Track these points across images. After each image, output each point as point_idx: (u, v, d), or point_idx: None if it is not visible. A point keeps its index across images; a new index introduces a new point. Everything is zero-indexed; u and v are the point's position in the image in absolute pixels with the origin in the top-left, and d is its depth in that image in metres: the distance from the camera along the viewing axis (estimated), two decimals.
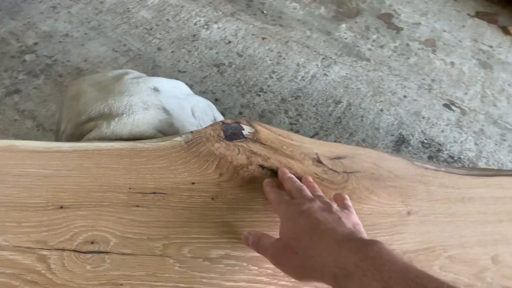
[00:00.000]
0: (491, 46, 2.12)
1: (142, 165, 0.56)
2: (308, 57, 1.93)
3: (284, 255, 0.44)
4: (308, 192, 0.50)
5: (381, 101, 1.78)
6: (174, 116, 0.69)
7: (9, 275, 0.46)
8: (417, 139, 1.67)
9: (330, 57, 1.95)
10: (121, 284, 0.47)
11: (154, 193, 0.54)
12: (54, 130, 0.87)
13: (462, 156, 1.65)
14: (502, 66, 2.03)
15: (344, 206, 0.49)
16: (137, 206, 0.52)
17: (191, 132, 0.61)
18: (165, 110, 0.67)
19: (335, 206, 0.47)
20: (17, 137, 1.46)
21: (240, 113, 1.66)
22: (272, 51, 1.93)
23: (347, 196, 0.51)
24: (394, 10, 2.24)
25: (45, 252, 0.48)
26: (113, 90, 0.67)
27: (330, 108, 1.73)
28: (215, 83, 1.75)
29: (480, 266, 0.53)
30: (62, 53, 1.76)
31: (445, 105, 1.80)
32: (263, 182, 0.55)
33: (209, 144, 0.59)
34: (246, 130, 0.62)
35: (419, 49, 2.05)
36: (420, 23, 2.19)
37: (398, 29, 2.14)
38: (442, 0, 2.35)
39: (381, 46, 2.03)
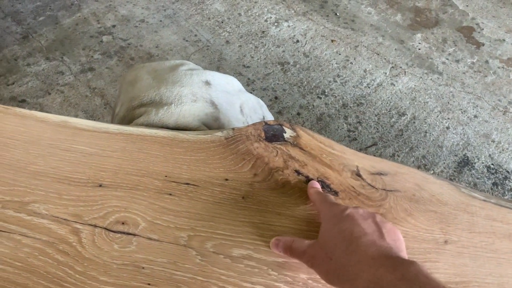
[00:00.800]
0: None
1: (180, 155, 0.57)
2: (376, 64, 1.87)
3: (319, 258, 0.44)
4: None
5: (448, 118, 1.69)
6: (222, 110, 0.69)
7: (45, 242, 0.49)
8: (482, 163, 1.57)
9: (400, 67, 1.88)
10: (143, 268, 0.48)
11: (187, 184, 0.55)
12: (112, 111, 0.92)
13: None
14: None
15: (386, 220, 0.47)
16: (170, 194, 0.54)
17: (233, 128, 0.61)
18: (213, 104, 0.68)
19: (378, 217, 0.45)
20: (85, 112, 1.56)
21: (298, 114, 1.65)
22: (340, 54, 1.90)
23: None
24: (477, 24, 2.10)
25: (79, 226, 0.51)
26: (166, 79, 0.69)
27: (393, 120, 1.67)
28: (277, 81, 1.75)
29: None
30: (137, 37, 1.85)
31: None
32: (308, 184, 0.55)
33: (249, 143, 0.59)
34: (288, 133, 0.61)
35: (499, 67, 1.91)
36: (504, 39, 2.04)
37: (479, 45, 2.01)
38: None
39: (457, 61, 1.92)
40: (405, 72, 1.86)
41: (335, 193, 0.56)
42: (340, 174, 0.58)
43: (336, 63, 1.85)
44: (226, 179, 0.56)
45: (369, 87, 1.76)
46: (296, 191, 0.56)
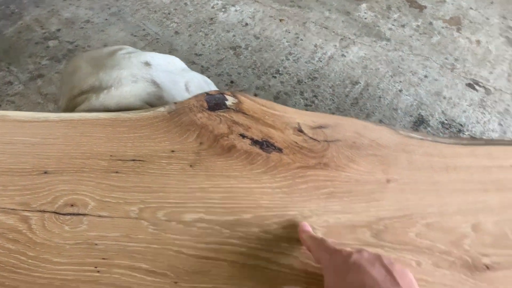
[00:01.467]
0: None
1: (124, 134, 0.58)
2: (326, 38, 1.91)
3: None
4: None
5: (400, 81, 1.74)
6: (165, 89, 0.70)
7: None
8: (437, 119, 1.63)
9: (349, 38, 1.91)
10: (96, 244, 0.49)
11: (133, 160, 0.55)
12: None
13: (484, 137, 1.59)
14: None
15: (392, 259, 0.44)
16: (117, 172, 0.54)
17: (175, 103, 0.62)
18: (154, 83, 0.69)
19: (385, 258, 0.42)
20: None
21: (255, 95, 1.66)
22: (289, 32, 1.92)
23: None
24: None
25: (27, 214, 0.50)
26: (105, 64, 0.69)
27: (347, 89, 1.70)
28: (231, 66, 1.75)
29: (458, 234, 0.52)
30: (83, 38, 1.81)
31: (468, 85, 1.74)
32: (298, 225, 0.51)
33: (192, 114, 0.60)
34: (230, 100, 0.62)
35: (442, 27, 1.98)
36: (445, 0, 2.11)
37: (421, 8, 2.07)
38: None
39: (403, 26, 1.98)
40: (354, 42, 1.90)
41: (280, 150, 0.58)
42: (283, 132, 0.59)
43: (287, 42, 1.87)
44: (172, 151, 0.57)
45: (321, 61, 1.79)
46: (242, 153, 0.57)
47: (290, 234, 0.51)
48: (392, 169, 0.57)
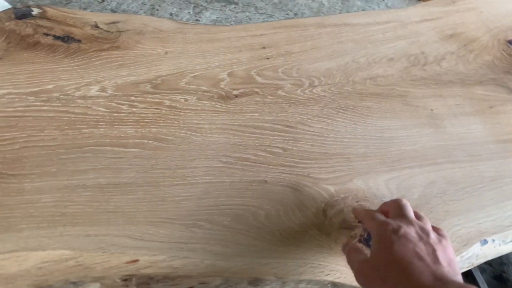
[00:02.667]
0: None
1: None
2: (180, 6, 2.06)
3: (371, 278, 0.42)
4: (410, 212, 0.48)
5: None
6: None
7: None
8: None
9: (201, 5, 2.09)
10: None
11: None
12: None
13: None
14: None
15: (441, 236, 0.46)
16: None
17: None
18: None
19: (433, 235, 0.44)
20: None
21: None
22: (145, 4, 2.04)
23: (442, 229, 0.48)
24: None
25: None
26: None
27: None
28: None
29: (217, 79, 0.70)
30: None
31: None
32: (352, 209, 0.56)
33: (0, 24, 0.71)
34: (35, 11, 0.74)
35: None
36: None
37: None
38: None
39: None
40: (206, 8, 2.08)
41: (79, 41, 0.72)
42: (82, 29, 0.73)
43: (144, 12, 1.99)
44: None
45: None
46: (46, 46, 0.70)
47: (85, 93, 0.65)
48: (170, 45, 0.74)
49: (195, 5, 2.08)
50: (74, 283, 0.50)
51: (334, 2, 2.20)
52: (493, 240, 0.58)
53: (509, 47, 0.83)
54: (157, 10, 2.03)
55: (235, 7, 2.10)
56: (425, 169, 0.64)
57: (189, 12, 2.04)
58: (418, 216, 0.48)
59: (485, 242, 0.58)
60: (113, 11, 1.98)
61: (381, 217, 0.47)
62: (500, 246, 0.59)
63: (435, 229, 0.47)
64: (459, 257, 0.56)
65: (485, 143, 0.68)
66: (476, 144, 0.67)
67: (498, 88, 0.75)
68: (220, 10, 2.07)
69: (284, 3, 2.16)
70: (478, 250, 0.58)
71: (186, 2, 2.09)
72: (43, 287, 0.49)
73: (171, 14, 2.01)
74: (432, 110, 0.71)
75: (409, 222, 0.45)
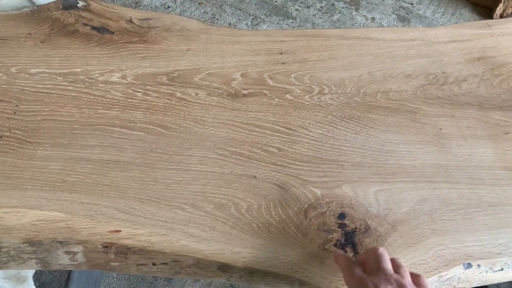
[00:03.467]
0: (411, 3, 2.32)
1: None
2: (239, 17, 2.15)
3: None
4: (388, 264, 0.47)
5: None
6: (37, 2, 0.90)
7: None
8: None
9: (260, 17, 2.16)
10: None
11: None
12: None
13: None
14: (419, 19, 2.23)
15: (420, 286, 0.46)
16: None
17: (37, 5, 0.82)
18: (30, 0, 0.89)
19: None
20: None
21: None
22: (207, 13, 2.15)
23: (422, 276, 0.48)
24: None
25: None
26: None
27: None
28: None
29: (229, 78, 0.74)
30: None
31: None
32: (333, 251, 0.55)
33: (49, 12, 0.81)
34: (81, 3, 0.83)
35: (343, 7, 2.25)
36: None
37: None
38: None
39: (308, 7, 2.24)
40: (264, 21, 2.14)
41: (112, 33, 0.79)
42: (117, 22, 0.81)
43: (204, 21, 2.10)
44: (29, 33, 0.77)
45: None
46: (83, 35, 0.78)
47: (107, 79, 0.71)
48: (193, 43, 0.79)
49: (253, 17, 2.15)
50: (60, 242, 0.55)
51: (394, 24, 2.18)
52: (479, 266, 0.56)
53: None
54: (217, 19, 2.12)
55: (292, 22, 2.14)
56: (419, 186, 0.63)
57: (247, 23, 2.11)
58: (396, 266, 0.47)
59: (469, 265, 0.56)
60: None
61: (359, 272, 0.47)
62: (487, 273, 0.57)
63: (414, 277, 0.47)
64: (437, 277, 0.55)
65: (491, 168, 0.65)
66: (480, 168, 0.65)
67: None
68: (277, 23, 2.13)
69: (342, 21, 2.17)
70: (461, 273, 0.56)
71: (246, 14, 2.17)
72: (34, 242, 0.55)
73: (230, 24, 2.10)
74: (440, 129, 0.69)
75: (386, 278, 0.44)
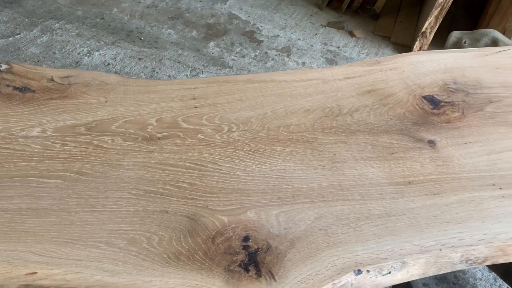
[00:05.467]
0: (338, 47, 2.52)
1: None
2: (178, 69, 2.25)
3: None
4: None
5: None
6: None
7: None
8: None
9: (198, 68, 2.27)
10: None
11: None
12: None
13: None
14: (346, 60, 2.41)
15: None
16: None
17: None
18: None
19: None
20: None
21: None
22: (147, 67, 2.24)
23: None
24: (257, 28, 2.62)
25: None
26: None
27: None
28: None
29: (145, 124, 0.81)
30: None
31: None
32: None
33: None
34: (3, 67, 0.89)
35: (276, 55, 2.41)
36: (278, 35, 2.57)
37: (259, 42, 2.51)
38: (299, 16, 2.77)
39: (243, 56, 2.38)
40: (202, 71, 2.26)
41: (33, 91, 0.85)
42: (39, 81, 0.87)
43: (144, 75, 2.19)
44: None
45: None
46: (5, 94, 0.83)
47: (28, 134, 0.76)
48: (111, 95, 0.86)
49: (192, 68, 2.26)
50: None
51: (322, 66, 2.34)
52: (368, 271, 0.63)
53: (422, 101, 0.91)
54: (157, 72, 2.21)
55: (229, 71, 2.26)
56: (316, 205, 0.70)
57: (186, 75, 2.21)
58: None
59: (359, 272, 0.63)
60: (117, 72, 2.17)
61: None
62: (376, 277, 0.64)
63: None
64: (331, 285, 0.61)
65: (379, 185, 0.74)
66: (370, 185, 0.74)
67: (403, 137, 0.83)
68: (215, 73, 2.24)
69: (275, 67, 2.31)
70: (352, 279, 0.63)
71: (184, 66, 2.28)
72: None
73: (169, 76, 2.19)
74: (335, 154, 0.78)
75: None
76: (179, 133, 0.80)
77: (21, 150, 0.74)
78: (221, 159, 0.76)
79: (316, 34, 2.60)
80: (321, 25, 2.69)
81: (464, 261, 0.68)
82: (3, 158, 0.72)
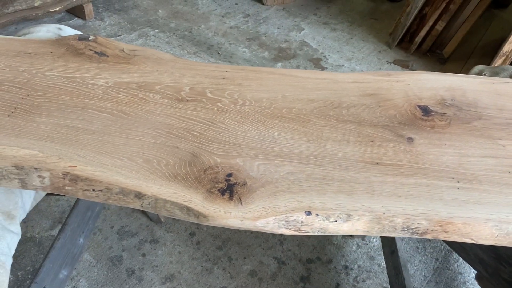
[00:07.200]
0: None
1: (31, 49, 1.13)
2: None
3: None
4: None
5: None
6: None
7: None
8: None
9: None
10: None
11: (29, 53, 1.10)
12: None
13: None
14: None
15: None
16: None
17: (61, 37, 1.19)
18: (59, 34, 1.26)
19: None
20: None
21: None
22: None
23: None
24: (324, 56, 2.83)
25: None
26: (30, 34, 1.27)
27: None
28: None
29: (180, 89, 1.04)
30: None
31: None
32: None
33: (68, 40, 1.16)
34: (91, 37, 1.19)
35: None
36: (343, 65, 2.76)
37: (323, 68, 2.71)
38: (368, 51, 2.93)
39: None
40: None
41: (107, 56, 1.13)
42: (113, 50, 1.15)
43: None
44: (51, 52, 1.12)
45: None
46: (87, 56, 1.12)
47: (95, 82, 1.03)
48: (162, 67, 1.11)
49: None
50: (35, 168, 0.83)
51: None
52: (317, 215, 0.79)
53: (416, 109, 1.04)
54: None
55: None
56: (292, 164, 0.87)
57: None
58: None
59: (309, 213, 0.78)
60: None
61: None
62: (324, 221, 0.79)
63: None
64: (284, 217, 0.78)
65: (350, 160, 0.89)
66: (342, 159, 0.89)
67: (386, 131, 0.97)
68: None
69: None
70: (303, 217, 0.79)
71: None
72: (19, 166, 0.83)
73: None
74: (322, 133, 0.95)
75: None
76: (204, 100, 1.02)
77: (88, 91, 1.00)
78: (229, 122, 0.96)
79: (380, 69, 2.74)
80: (387, 61, 2.83)
81: (406, 229, 0.81)
82: (74, 94, 0.99)
